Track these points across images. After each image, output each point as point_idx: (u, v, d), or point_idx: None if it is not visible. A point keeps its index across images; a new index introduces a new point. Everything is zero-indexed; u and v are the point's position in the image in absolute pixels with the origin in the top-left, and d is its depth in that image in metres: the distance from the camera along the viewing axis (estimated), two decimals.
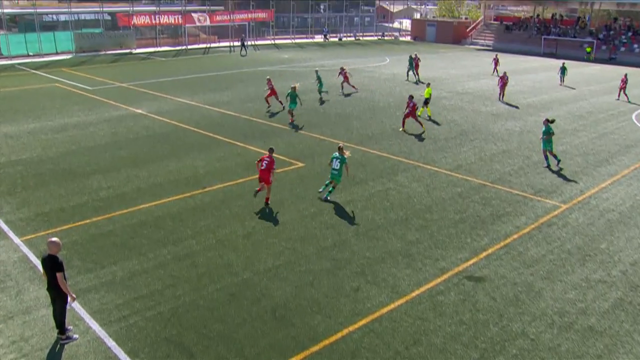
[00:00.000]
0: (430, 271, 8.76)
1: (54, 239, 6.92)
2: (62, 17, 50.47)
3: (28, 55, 38.70)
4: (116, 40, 42.95)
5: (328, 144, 16.15)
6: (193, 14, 47.86)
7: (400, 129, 17.73)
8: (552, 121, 14.08)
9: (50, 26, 48.00)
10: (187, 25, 47.18)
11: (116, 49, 43.17)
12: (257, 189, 11.30)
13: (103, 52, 42.21)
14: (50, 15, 50.94)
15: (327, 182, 11.80)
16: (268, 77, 22.35)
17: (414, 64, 27.74)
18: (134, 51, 43.68)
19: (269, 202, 11.34)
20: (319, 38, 59.86)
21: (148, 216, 10.99)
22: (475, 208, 11.40)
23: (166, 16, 45.96)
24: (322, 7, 64.39)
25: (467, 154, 15.38)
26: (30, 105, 21.55)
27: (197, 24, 48.53)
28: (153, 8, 48.70)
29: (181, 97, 23.58)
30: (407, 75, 28.28)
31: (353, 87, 24.68)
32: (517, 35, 51.13)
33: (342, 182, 12.42)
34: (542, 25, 50.86)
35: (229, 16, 50.23)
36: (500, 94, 23.21)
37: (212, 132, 17.90)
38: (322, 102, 22.41)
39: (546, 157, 14.10)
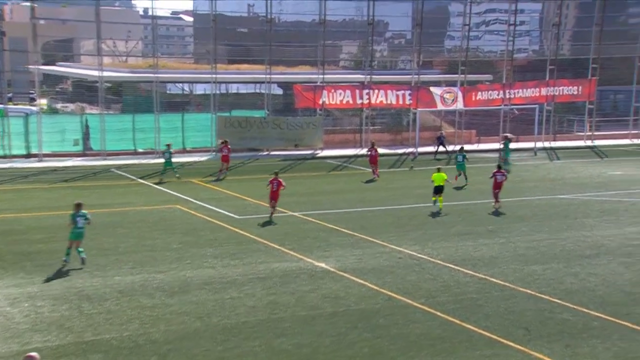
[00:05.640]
0: None
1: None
2: (199, 88, 62.59)
3: (135, 153, 47.97)
4: (289, 132, 50.31)
5: None
6: (432, 89, 53.31)
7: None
8: None
9: (176, 104, 60.00)
10: (419, 109, 52.43)
11: (288, 148, 50.20)
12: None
13: (265, 153, 49.69)
14: (178, 85, 64.00)
15: None
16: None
17: None
18: (319, 153, 50.27)
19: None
20: None
21: None
22: None
23: (382, 91, 52.41)
24: None
25: None
26: (129, 242, 25.52)
27: (441, 106, 53.63)
28: (359, 76, 56.75)
29: (402, 244, 25.33)
30: None
31: None
32: None
33: None
34: None
35: (500, 93, 54.32)
36: None
37: (460, 316, 18.22)
38: None
39: None
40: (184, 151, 48.84)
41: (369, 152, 41.26)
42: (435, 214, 30.59)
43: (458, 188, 36.53)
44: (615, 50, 60.66)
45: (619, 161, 46.68)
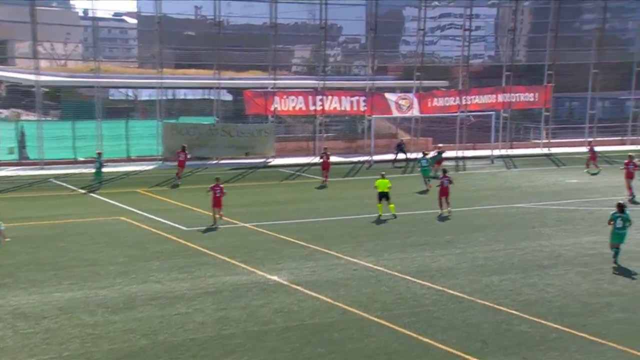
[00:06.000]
0: None
1: None
2: (145, 94, 62.00)
3: (75, 162, 47.60)
4: (239, 140, 50.42)
5: None
6: (387, 96, 53.98)
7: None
8: None
9: (120, 110, 59.41)
10: (374, 116, 53.09)
11: (239, 156, 50.38)
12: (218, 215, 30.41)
13: (215, 162, 49.80)
14: (121, 90, 63.18)
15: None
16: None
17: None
18: (271, 162, 50.50)
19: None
20: None
21: None
22: None
23: (336, 98, 52.88)
24: None
25: None
26: (69, 256, 25.30)
27: (396, 113, 54.31)
28: (312, 82, 57.04)
29: (357, 255, 25.54)
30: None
31: None
32: None
33: None
34: None
35: (457, 99, 55.34)
36: None
37: (416, 330, 18.36)
38: None
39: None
40: (128, 160, 48.45)
41: (322, 158, 42.67)
42: (381, 221, 31.27)
43: (422, 192, 38.34)
44: (570, 57, 61.92)
45: (575, 169, 47.57)
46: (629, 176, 37.39)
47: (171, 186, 40.31)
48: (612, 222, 24.37)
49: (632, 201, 35.21)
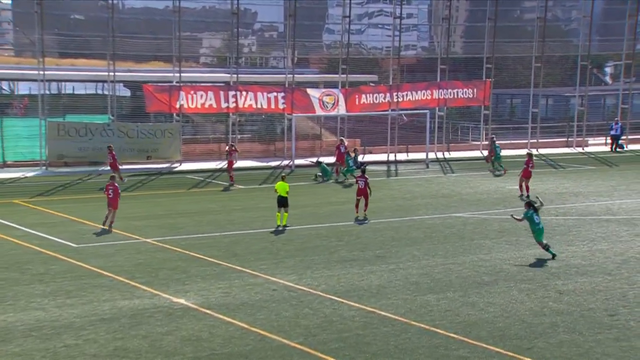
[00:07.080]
0: None
1: None
2: (23, 88, 60.78)
3: None
4: (140, 142, 49.94)
5: None
6: (310, 91, 54.22)
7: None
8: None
9: None
10: (294, 114, 53.29)
11: (140, 161, 49.91)
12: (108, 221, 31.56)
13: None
14: None
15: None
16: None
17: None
18: (177, 167, 50.22)
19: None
20: (596, 143, 63.24)
21: None
22: None
23: (251, 94, 52.71)
24: (608, 70, 67.37)
25: None
26: None
27: (320, 111, 54.57)
28: (224, 75, 56.84)
29: (276, 273, 25.53)
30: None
31: None
32: None
33: None
34: None
35: (387, 96, 55.90)
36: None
37: (344, 357, 18.39)
38: None
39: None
40: (3, 165, 47.51)
41: (230, 155, 44.34)
42: (279, 232, 31.82)
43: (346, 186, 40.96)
44: (511, 49, 63.26)
45: (517, 174, 48.42)
46: (526, 175, 40.82)
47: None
48: (524, 219, 27.58)
49: (522, 199, 37.97)
